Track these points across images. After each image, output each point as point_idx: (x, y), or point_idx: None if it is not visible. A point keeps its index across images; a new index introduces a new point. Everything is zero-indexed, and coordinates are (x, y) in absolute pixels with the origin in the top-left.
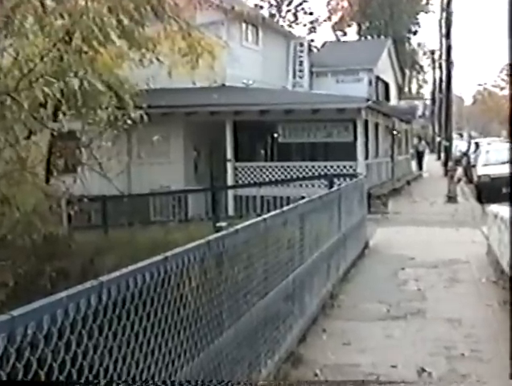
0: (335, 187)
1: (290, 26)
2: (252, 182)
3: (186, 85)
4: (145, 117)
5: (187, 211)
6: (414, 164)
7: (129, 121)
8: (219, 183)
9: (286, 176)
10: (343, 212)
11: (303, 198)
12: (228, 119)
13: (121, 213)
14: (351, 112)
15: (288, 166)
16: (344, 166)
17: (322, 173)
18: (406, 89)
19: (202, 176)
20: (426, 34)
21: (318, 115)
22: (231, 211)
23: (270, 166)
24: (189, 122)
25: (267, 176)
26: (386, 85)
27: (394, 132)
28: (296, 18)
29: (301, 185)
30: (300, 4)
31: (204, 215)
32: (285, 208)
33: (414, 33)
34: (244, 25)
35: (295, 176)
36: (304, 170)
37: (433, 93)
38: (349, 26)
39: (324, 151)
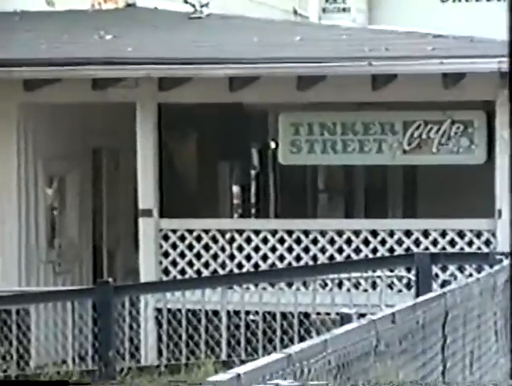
0: (433, 292)
1: None
2: (206, 273)
3: (29, 7)
4: None
5: (29, 350)
6: None
7: None
8: (117, 276)
9: (298, 259)
10: (453, 361)
11: (342, 321)
12: (142, 100)
13: None
14: (476, 83)
15: (305, 232)
16: (460, 233)
17: (397, 249)
18: None
19: (70, 253)
20: None
21: (387, 91)
22: (148, 352)
23: (254, 232)
24: (34, 106)
25: (246, 259)
26: None
27: None
28: None
29: (340, 283)
30: None
31: (72, 361)
32: (294, 349)
33: None
34: None
35: (323, 259)
36: (349, 241)
37: None
38: None
39: (405, 191)
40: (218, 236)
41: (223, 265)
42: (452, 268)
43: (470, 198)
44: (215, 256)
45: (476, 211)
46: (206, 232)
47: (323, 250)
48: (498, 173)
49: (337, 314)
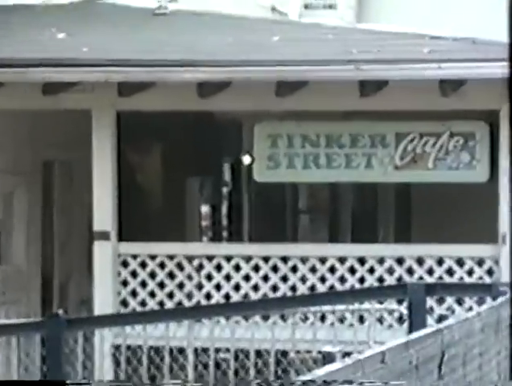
0: (428, 327)
1: None
2: (171, 305)
3: None
4: None
5: None
6: None
7: None
8: (69, 308)
9: (275, 289)
10: None
11: (325, 360)
12: (99, 107)
13: None
14: (479, 90)
15: (284, 259)
16: (460, 260)
17: (388, 278)
18: None
19: (15, 281)
20: None
21: (377, 99)
22: None
23: (226, 258)
24: None
25: (217, 289)
26: None
27: None
28: None
29: (323, 317)
30: None
31: None
32: None
33: None
34: None
35: (303, 289)
36: (333, 269)
37: None
38: None
39: (397, 212)
40: (185, 263)
41: (190, 296)
42: (449, 300)
43: (471, 221)
44: (181, 286)
45: (478, 236)
46: (171, 257)
47: (303, 279)
48: (503, 193)
49: (319, 352)
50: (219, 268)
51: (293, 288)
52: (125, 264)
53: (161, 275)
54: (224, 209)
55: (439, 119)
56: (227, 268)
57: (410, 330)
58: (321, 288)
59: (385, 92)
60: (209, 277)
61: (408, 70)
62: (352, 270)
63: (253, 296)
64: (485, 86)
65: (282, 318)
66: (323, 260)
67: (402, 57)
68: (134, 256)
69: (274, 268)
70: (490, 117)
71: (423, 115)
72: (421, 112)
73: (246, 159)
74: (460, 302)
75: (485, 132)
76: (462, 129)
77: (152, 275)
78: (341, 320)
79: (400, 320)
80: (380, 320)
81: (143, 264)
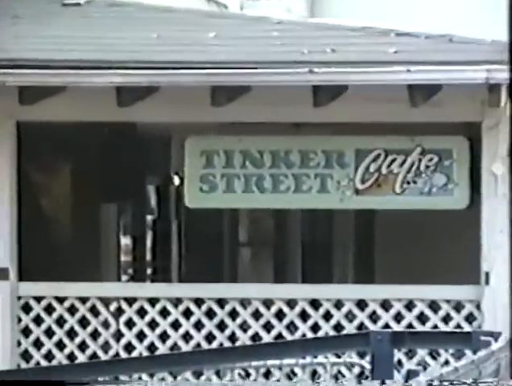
0: (395, 385)
1: None
2: (82, 358)
3: None
4: None
5: None
6: None
7: None
8: None
9: (210, 338)
10: None
11: None
12: None
13: None
14: (456, 98)
15: (220, 302)
16: (433, 304)
17: (347, 326)
18: None
19: None
20: None
21: (334, 108)
22: None
23: (150, 301)
24: None
25: (138, 338)
26: None
27: None
28: None
29: (268, 373)
30: None
31: None
32: None
33: None
34: None
35: (244, 338)
36: (280, 315)
37: None
38: None
39: (357, 246)
40: (100, 307)
41: (106, 347)
42: (421, 352)
43: (447, 256)
44: (95, 335)
45: (456, 275)
46: (83, 300)
47: (244, 326)
48: (485, 222)
49: None
50: (142, 313)
51: (232, 337)
52: (26, 308)
53: (71, 321)
54: (148, 241)
55: (409, 133)
56: (151, 313)
57: None
58: (266, 337)
59: (343, 100)
60: (130, 325)
61: (371, 74)
62: (303, 316)
63: (184, 347)
64: (464, 93)
65: (218, 374)
66: (268, 304)
67: (364, 58)
68: (38, 299)
69: (209, 314)
70: (470, 131)
71: (389, 128)
72: (387, 124)
73: (176, 181)
74: (433, 355)
75: (464, 149)
76: (436, 146)
77: (60, 322)
78: (290, 377)
79: (361, 376)
80: (337, 376)
81: (49, 309)
